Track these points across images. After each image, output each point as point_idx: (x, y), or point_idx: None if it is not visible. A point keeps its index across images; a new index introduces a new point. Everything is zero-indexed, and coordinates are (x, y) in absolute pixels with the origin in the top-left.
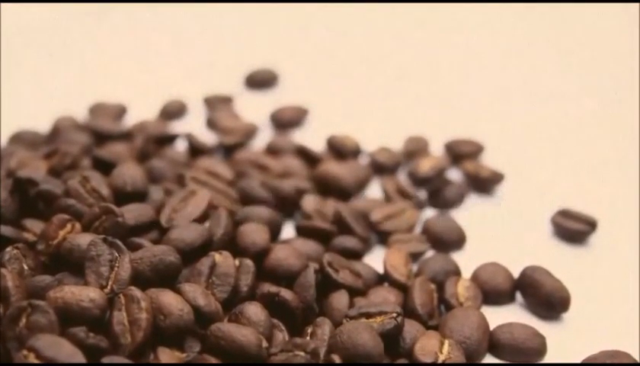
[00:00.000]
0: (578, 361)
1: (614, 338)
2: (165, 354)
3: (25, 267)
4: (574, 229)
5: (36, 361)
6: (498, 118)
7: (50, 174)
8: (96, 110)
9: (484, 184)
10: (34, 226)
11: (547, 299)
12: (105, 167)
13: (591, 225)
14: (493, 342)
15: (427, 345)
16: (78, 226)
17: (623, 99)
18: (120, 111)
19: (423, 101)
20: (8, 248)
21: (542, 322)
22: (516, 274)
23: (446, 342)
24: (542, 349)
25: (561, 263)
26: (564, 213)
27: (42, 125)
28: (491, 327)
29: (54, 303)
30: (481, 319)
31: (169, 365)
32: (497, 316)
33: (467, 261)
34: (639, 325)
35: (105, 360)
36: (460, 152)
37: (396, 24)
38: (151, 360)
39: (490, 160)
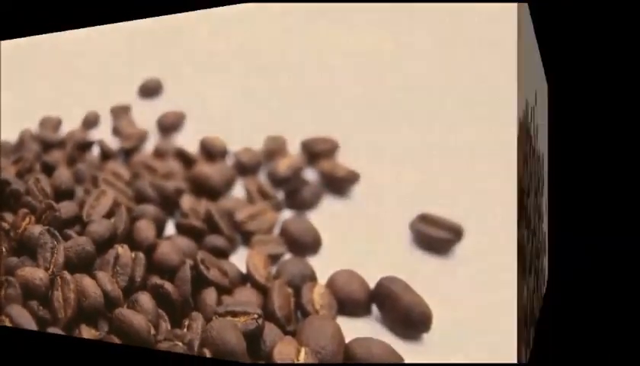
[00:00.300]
0: None
1: (481, 361)
2: (86, 331)
3: (3, 250)
4: (435, 236)
5: (9, 325)
6: (357, 115)
7: (17, 176)
8: (44, 122)
9: (340, 183)
10: (9, 218)
11: (405, 314)
12: (49, 169)
13: (456, 233)
14: (349, 355)
15: (284, 350)
16: (33, 218)
17: (489, 97)
18: (58, 123)
19: (287, 99)
20: None
21: (401, 339)
22: (373, 283)
23: (303, 350)
24: None
25: (422, 275)
26: (425, 219)
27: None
28: (348, 339)
29: (20, 279)
30: (336, 330)
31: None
32: (355, 327)
33: (324, 266)
34: (509, 347)
35: (50, 330)
36: (316, 151)
37: (258, 28)
38: (76, 334)
39: (348, 159)
